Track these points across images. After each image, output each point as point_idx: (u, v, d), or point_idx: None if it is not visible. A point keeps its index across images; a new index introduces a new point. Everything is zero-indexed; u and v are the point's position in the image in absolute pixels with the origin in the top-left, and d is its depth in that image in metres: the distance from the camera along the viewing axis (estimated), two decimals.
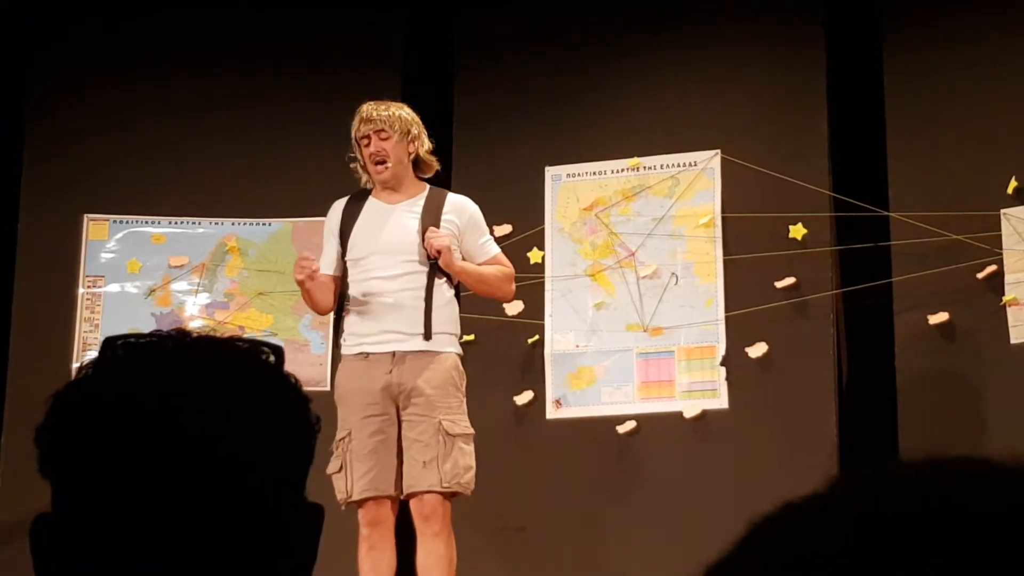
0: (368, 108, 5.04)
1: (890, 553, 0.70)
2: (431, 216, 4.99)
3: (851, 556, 0.70)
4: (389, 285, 4.93)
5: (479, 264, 5.06)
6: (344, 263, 5.04)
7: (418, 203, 5.03)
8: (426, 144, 5.09)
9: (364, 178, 5.11)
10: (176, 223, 6.49)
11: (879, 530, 0.71)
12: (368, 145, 5.00)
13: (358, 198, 5.10)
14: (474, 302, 5.68)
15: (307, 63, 6.64)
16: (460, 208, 5.08)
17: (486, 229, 5.17)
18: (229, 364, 1.26)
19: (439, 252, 4.88)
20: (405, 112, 5.07)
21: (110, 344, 1.26)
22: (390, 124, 4.98)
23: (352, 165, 5.13)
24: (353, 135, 5.05)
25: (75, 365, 6.23)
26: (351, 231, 5.03)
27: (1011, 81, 5.91)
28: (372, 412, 4.88)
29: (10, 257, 6.45)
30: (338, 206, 5.14)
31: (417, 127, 5.06)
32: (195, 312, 6.45)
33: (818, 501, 0.75)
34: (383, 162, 4.99)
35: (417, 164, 5.09)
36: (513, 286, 5.22)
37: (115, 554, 1.20)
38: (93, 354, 1.28)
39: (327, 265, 5.08)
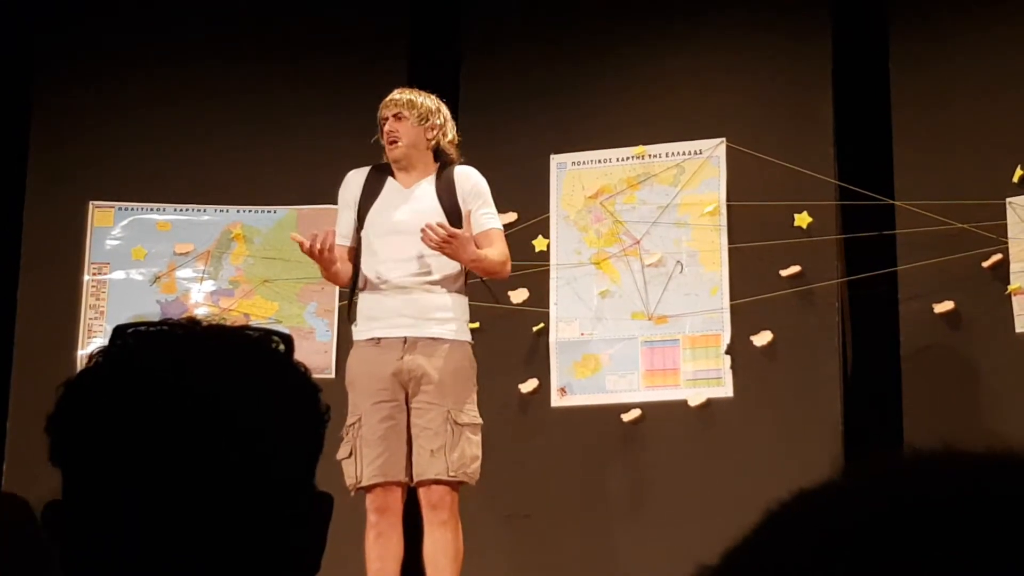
0: (393, 92, 5.18)
1: (904, 543, 0.70)
2: (446, 196, 5.03)
3: (865, 545, 0.70)
4: (402, 268, 4.94)
5: (475, 233, 5.05)
6: (359, 236, 5.07)
7: (430, 184, 5.05)
8: (449, 135, 5.15)
9: (384, 159, 5.19)
10: (181, 210, 6.49)
11: (894, 519, 0.71)
12: (386, 125, 5.09)
13: (377, 176, 5.14)
14: (480, 290, 5.69)
15: (313, 50, 6.64)
16: (464, 177, 5.11)
17: (488, 199, 5.13)
18: (239, 353, 1.26)
19: (441, 248, 4.86)
20: (429, 100, 5.15)
21: (120, 332, 1.26)
22: (408, 107, 5.08)
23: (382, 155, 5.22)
24: (378, 118, 5.16)
25: (80, 352, 6.24)
26: (369, 209, 5.07)
27: (1017, 70, 5.90)
28: (382, 398, 4.90)
29: (15, 244, 6.45)
30: (358, 177, 5.18)
31: (440, 117, 5.14)
32: (200, 299, 6.45)
33: (833, 489, 0.75)
34: (395, 142, 5.06)
35: (439, 155, 5.14)
36: (508, 266, 5.16)
37: (125, 541, 1.21)
38: (98, 341, 1.28)
39: (343, 236, 5.12)
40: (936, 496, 0.72)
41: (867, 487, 0.74)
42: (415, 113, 5.07)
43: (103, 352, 1.25)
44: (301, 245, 4.96)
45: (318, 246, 4.90)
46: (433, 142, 5.11)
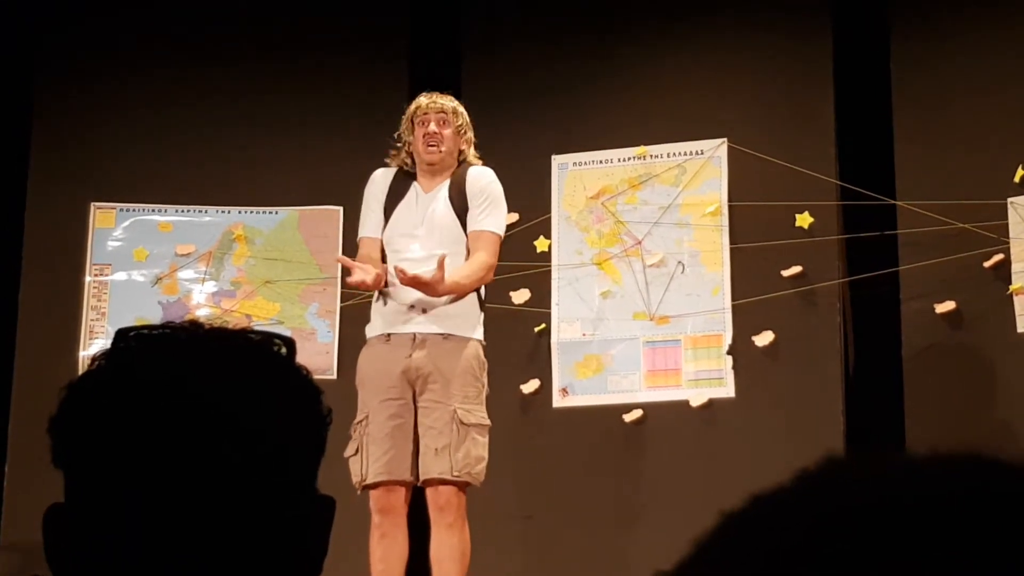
0: (434, 94, 5.16)
1: (894, 543, 0.70)
2: (458, 197, 5.03)
3: (856, 541, 0.70)
4: (417, 268, 4.91)
5: (469, 232, 5.03)
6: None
7: (446, 187, 5.06)
8: (472, 150, 5.17)
9: (395, 161, 5.14)
10: (183, 211, 6.49)
11: (884, 520, 0.71)
12: (425, 125, 5.06)
13: (402, 179, 5.12)
14: (486, 290, 5.68)
15: (313, 50, 6.64)
16: (477, 177, 5.10)
17: (494, 201, 5.08)
18: (241, 356, 1.26)
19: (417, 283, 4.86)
20: (464, 110, 5.16)
21: (122, 335, 1.26)
22: (454, 114, 5.09)
23: (393, 153, 5.17)
24: (409, 115, 5.11)
25: (82, 353, 6.24)
26: (393, 210, 5.07)
27: (1017, 70, 5.90)
28: (391, 396, 4.89)
29: (17, 245, 6.45)
30: (385, 176, 5.15)
31: (471, 132, 5.16)
32: (202, 300, 6.45)
33: (816, 488, 0.75)
34: (437, 146, 5.04)
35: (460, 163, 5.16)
36: (490, 274, 5.10)
37: (127, 545, 1.21)
38: (100, 342, 1.28)
39: (373, 228, 5.12)
40: (932, 493, 0.71)
41: (857, 487, 0.74)
42: (456, 122, 5.08)
43: (105, 355, 1.25)
44: (362, 284, 4.94)
45: (369, 282, 4.90)
46: (462, 156, 5.12)
